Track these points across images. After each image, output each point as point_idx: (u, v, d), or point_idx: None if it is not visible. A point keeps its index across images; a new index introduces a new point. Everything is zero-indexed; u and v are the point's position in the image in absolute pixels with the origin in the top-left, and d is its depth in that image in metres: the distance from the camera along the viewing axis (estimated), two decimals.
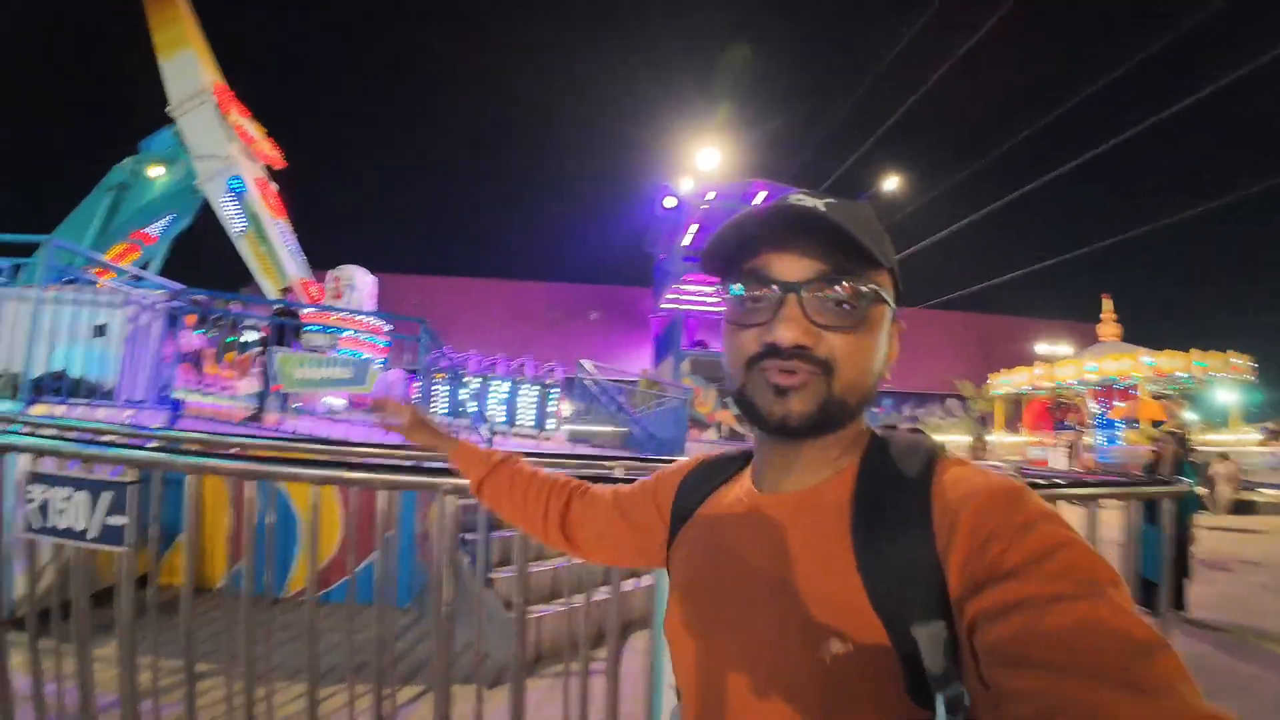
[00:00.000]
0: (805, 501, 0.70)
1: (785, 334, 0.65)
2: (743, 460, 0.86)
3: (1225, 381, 22.49)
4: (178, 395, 6.20)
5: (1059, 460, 20.67)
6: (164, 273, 15.44)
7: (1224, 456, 13.19)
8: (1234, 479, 12.41)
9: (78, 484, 1.76)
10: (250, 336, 10.59)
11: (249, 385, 9.23)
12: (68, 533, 1.75)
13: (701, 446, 15.44)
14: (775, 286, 0.67)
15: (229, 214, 15.21)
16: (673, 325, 24.82)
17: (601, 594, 4.25)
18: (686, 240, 25.10)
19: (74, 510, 1.74)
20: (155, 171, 15.10)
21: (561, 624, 3.87)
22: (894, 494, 0.64)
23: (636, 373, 22.15)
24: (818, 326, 0.65)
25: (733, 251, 0.71)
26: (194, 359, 10.05)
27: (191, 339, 9.65)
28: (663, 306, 27.96)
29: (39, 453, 1.90)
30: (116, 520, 1.71)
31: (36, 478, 1.80)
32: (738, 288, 0.70)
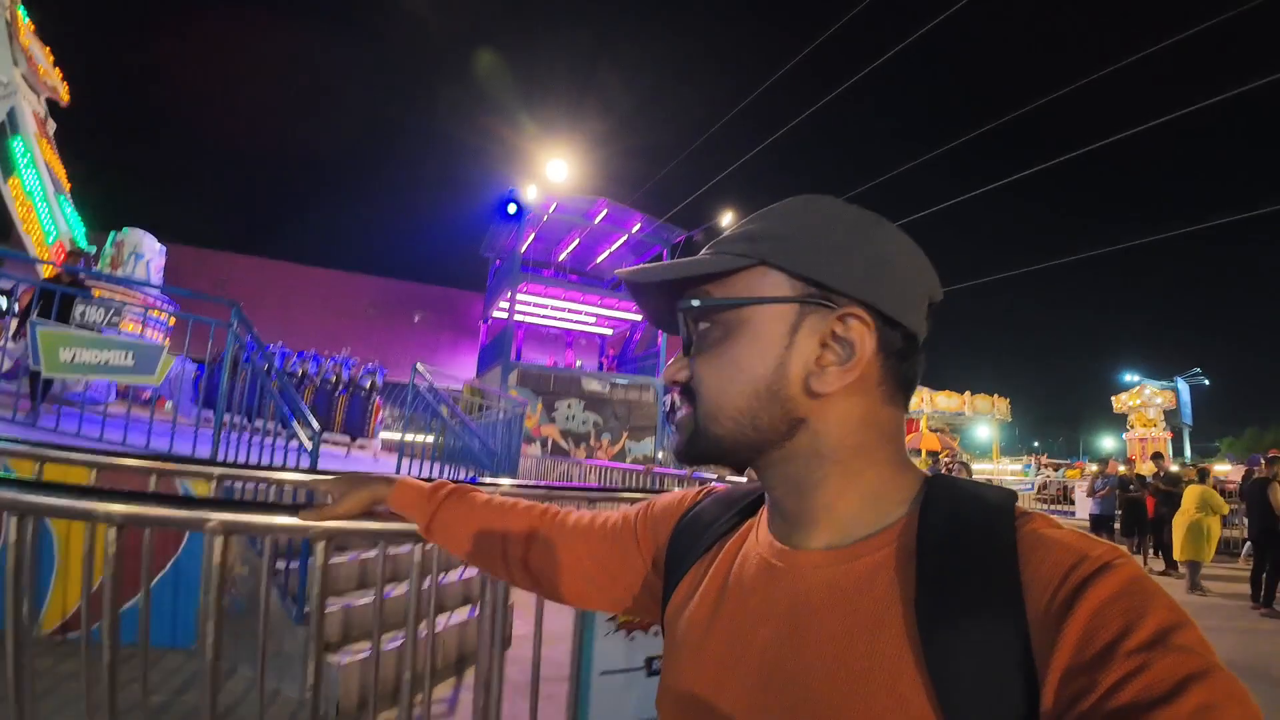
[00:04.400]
0: (846, 563, 0.56)
1: (664, 375, 0.64)
2: (759, 501, 0.71)
3: (990, 420, 26.47)
4: None
5: None
6: None
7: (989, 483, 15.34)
8: None
9: None
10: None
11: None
12: None
13: (527, 462, 15.03)
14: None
15: None
16: (502, 334, 24.09)
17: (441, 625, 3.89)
18: (522, 248, 24.62)
19: None
20: None
21: (385, 667, 3.41)
22: (971, 558, 0.50)
23: (461, 381, 21.29)
24: (692, 356, 0.62)
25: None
26: None
27: None
28: (494, 314, 27.13)
29: None
30: None
31: None
32: None
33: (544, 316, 27.05)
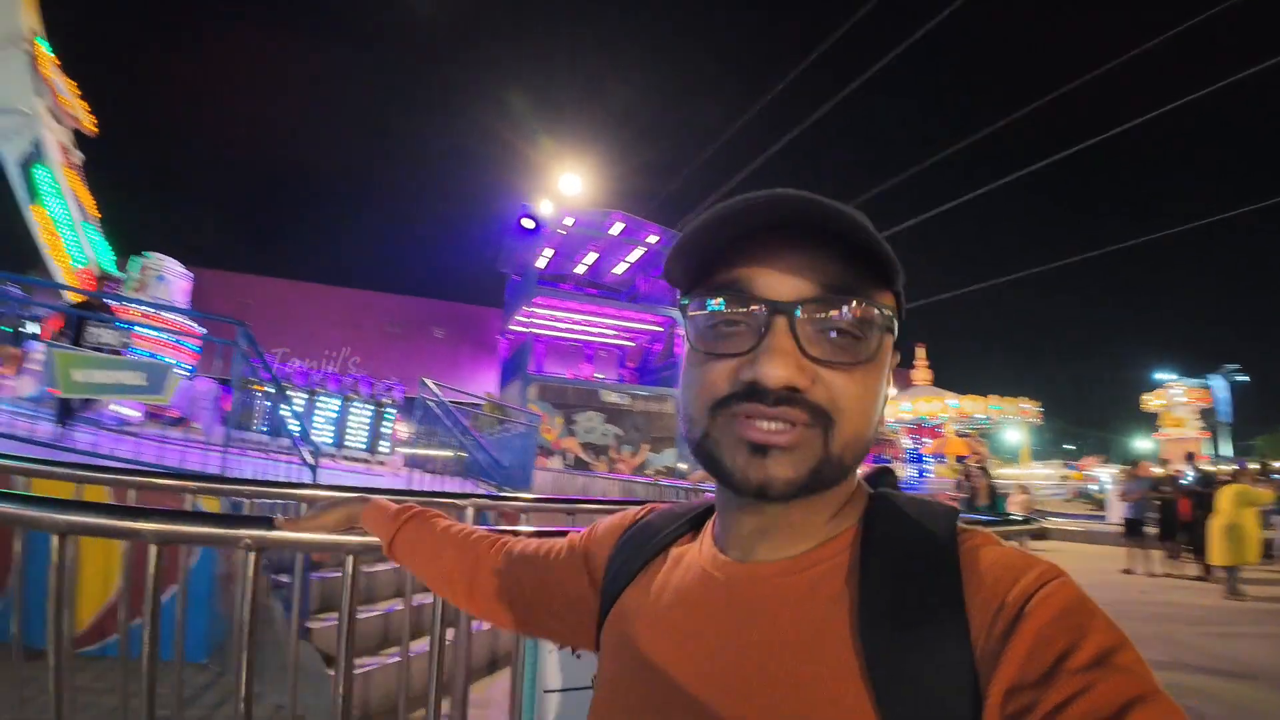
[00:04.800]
0: (790, 575, 0.55)
1: (773, 370, 0.49)
2: (705, 514, 0.68)
3: (1016, 423, 26.01)
4: None
5: None
6: None
7: (1022, 489, 14.88)
8: (1029, 508, 13.89)
9: None
10: (33, 328, 9.04)
11: (26, 386, 7.75)
12: None
13: (547, 475, 15.02)
14: (762, 305, 0.51)
15: (21, 179, 13.02)
16: (521, 348, 24.20)
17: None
18: (541, 263, 24.78)
19: None
20: None
21: (392, 678, 3.38)
22: (914, 572, 0.50)
23: (481, 395, 21.40)
24: (813, 361, 0.50)
25: (705, 255, 0.54)
26: None
27: None
28: (511, 328, 27.28)
29: None
30: None
31: None
32: (707, 303, 0.53)
33: (562, 329, 27.15)
